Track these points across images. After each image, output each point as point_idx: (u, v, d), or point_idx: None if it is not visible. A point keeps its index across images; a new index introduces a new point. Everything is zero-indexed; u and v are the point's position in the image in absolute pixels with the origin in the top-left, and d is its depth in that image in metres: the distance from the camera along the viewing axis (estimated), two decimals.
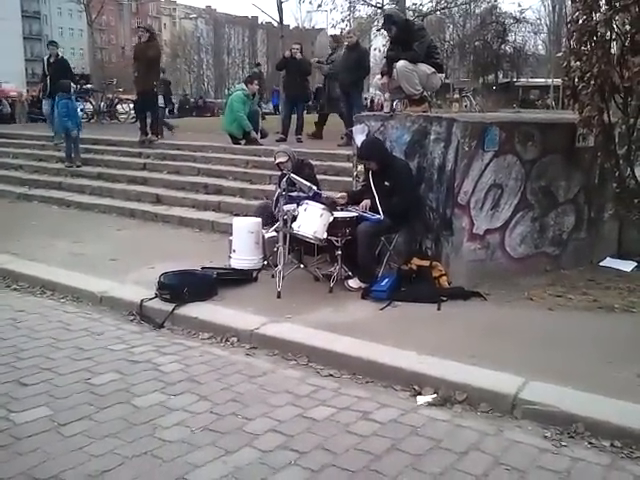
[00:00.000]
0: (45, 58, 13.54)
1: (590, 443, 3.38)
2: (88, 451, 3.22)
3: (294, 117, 12.00)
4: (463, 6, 28.44)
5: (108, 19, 65.13)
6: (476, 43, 38.65)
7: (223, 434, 3.42)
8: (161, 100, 14.12)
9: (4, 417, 3.55)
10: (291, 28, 53.31)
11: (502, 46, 38.06)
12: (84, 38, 30.36)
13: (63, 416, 3.57)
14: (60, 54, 13.52)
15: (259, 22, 65.74)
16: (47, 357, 4.41)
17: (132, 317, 5.29)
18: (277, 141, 10.68)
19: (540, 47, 46.47)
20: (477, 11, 36.55)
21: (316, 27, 52.70)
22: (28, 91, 42.67)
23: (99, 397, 3.82)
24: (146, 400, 3.80)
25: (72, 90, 11.84)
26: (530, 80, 41.94)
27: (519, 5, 43.90)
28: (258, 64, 23.18)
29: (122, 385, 3.99)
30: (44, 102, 13.20)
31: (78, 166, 11.08)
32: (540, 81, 40.94)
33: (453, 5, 24.39)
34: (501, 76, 41.55)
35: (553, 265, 6.43)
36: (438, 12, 26.11)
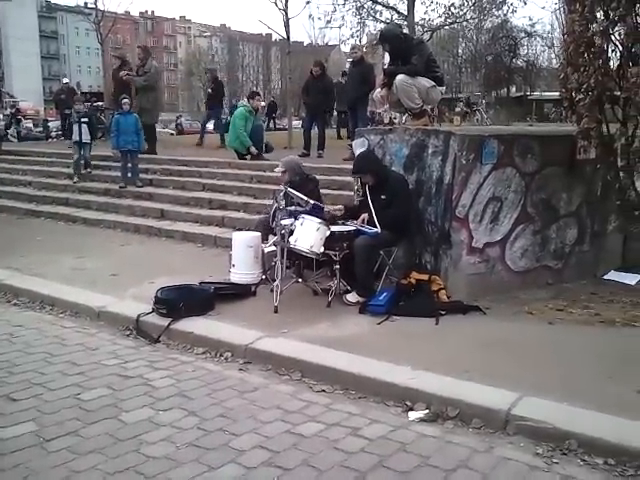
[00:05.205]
0: None
1: (583, 460, 3.29)
2: (70, 467, 3.20)
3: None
4: (472, 21, 28.38)
5: (124, 37, 65.90)
6: (488, 57, 38.68)
7: (208, 450, 3.39)
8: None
9: None
10: (305, 45, 53.60)
11: (514, 60, 38.03)
12: (100, 57, 30.81)
13: (49, 431, 3.56)
14: None
15: (273, 39, 66.25)
16: (39, 372, 4.40)
17: (129, 332, 5.28)
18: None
19: (554, 61, 46.41)
20: (488, 26, 36.56)
21: (329, 44, 52.82)
22: (45, 109, 43.33)
23: (87, 412, 3.80)
24: (134, 415, 3.78)
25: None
26: (544, 94, 41.82)
27: (530, 19, 43.84)
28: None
29: (111, 400, 3.97)
30: None
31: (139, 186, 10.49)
32: (554, 94, 40.71)
33: (462, 20, 24.32)
34: (514, 90, 41.46)
35: (555, 279, 6.35)
36: (447, 27, 26.08)
